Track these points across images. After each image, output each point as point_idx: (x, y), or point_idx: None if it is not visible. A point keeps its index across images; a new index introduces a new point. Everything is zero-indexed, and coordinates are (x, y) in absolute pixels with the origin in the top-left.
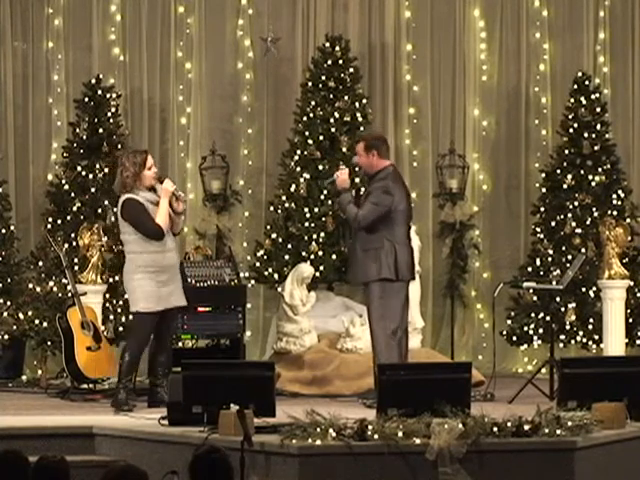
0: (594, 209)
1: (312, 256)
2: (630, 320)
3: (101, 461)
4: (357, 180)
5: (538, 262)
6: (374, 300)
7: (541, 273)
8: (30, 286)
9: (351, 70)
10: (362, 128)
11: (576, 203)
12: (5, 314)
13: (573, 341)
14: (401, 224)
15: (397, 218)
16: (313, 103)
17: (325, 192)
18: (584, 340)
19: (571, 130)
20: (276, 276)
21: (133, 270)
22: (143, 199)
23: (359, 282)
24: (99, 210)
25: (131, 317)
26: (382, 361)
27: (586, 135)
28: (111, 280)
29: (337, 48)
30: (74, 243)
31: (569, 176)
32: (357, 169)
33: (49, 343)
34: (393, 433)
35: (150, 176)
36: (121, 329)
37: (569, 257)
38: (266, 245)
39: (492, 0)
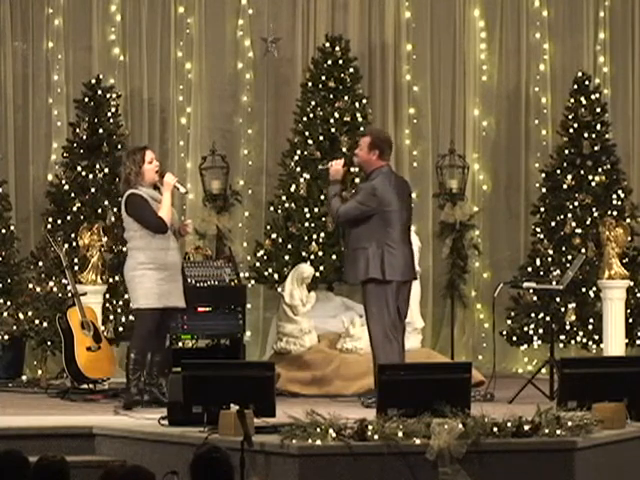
0: (594, 209)
1: (312, 256)
2: (630, 320)
3: (101, 461)
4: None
5: (538, 262)
6: (368, 299)
7: (541, 273)
8: (30, 286)
9: (351, 70)
10: (362, 128)
11: (576, 203)
12: (5, 314)
13: (573, 341)
14: (395, 225)
15: (390, 219)
16: (313, 103)
17: (325, 192)
18: (584, 340)
19: (571, 130)
20: (276, 276)
21: (134, 267)
22: (146, 194)
23: (350, 282)
24: (99, 210)
25: (132, 316)
26: (380, 359)
27: (586, 135)
28: (111, 280)
29: (337, 48)
30: (74, 243)
31: (569, 176)
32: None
33: (49, 343)
34: (393, 433)
35: (152, 170)
36: (121, 329)
37: (569, 257)
38: (266, 245)
39: (492, 0)
